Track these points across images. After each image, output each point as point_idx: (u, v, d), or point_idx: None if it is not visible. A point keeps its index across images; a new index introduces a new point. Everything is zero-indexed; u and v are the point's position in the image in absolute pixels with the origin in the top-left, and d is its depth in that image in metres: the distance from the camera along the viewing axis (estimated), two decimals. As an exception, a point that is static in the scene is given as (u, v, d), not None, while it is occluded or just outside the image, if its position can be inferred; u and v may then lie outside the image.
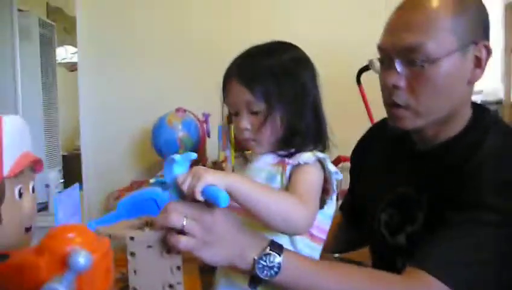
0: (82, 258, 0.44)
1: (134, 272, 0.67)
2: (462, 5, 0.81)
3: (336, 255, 2.36)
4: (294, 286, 0.69)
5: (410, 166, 0.91)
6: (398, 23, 0.83)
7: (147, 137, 2.46)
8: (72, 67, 2.97)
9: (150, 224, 0.72)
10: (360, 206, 1.06)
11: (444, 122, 0.84)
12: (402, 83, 0.81)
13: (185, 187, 0.65)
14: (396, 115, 0.85)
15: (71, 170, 2.88)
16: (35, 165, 0.61)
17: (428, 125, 0.84)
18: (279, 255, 0.67)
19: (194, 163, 0.74)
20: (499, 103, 3.98)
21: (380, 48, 0.85)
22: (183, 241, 0.64)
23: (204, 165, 2.49)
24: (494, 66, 4.10)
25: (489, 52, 0.82)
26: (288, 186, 0.75)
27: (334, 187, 0.78)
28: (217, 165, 2.47)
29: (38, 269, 0.46)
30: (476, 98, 4.06)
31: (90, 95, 2.66)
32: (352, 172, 1.13)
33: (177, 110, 2.41)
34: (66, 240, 0.45)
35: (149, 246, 0.68)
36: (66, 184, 2.66)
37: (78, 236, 0.47)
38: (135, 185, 2.54)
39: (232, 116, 0.83)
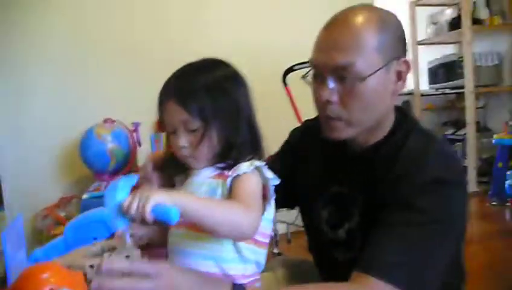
0: (64, 298, 0.45)
1: None
2: (385, 24, 0.87)
3: (276, 250, 2.46)
4: None
5: (343, 167, 0.98)
6: (328, 42, 0.87)
7: (74, 150, 2.36)
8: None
9: (108, 249, 0.72)
10: (293, 200, 1.10)
11: (372, 129, 0.92)
12: (334, 98, 0.87)
13: (133, 210, 0.67)
14: (330, 126, 0.90)
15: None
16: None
17: (359, 133, 0.92)
18: None
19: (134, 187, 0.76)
20: (410, 93, 4.34)
21: (313, 64, 0.90)
22: None
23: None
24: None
25: (408, 66, 0.90)
26: (229, 197, 0.78)
27: (272, 192, 0.83)
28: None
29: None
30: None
31: (6, 105, 2.48)
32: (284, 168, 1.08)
33: (105, 121, 2.34)
34: (42, 280, 0.46)
35: None
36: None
37: (53, 276, 0.47)
38: (64, 201, 2.44)
39: (169, 134, 0.84)
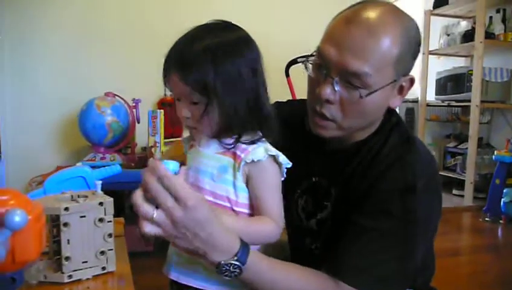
0: (17, 217, 0.47)
1: (68, 241, 0.70)
2: (408, 35, 0.82)
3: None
4: (248, 284, 0.74)
5: (323, 159, 0.96)
6: (346, 41, 0.79)
7: (74, 121, 2.41)
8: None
9: (82, 196, 0.73)
10: None
11: (358, 130, 0.89)
12: (336, 100, 0.82)
13: None
14: (320, 124, 0.87)
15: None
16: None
17: (345, 134, 0.89)
18: (243, 265, 0.70)
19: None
20: (415, 101, 4.33)
21: (322, 55, 0.82)
22: (149, 229, 0.65)
23: (133, 151, 2.48)
24: (414, 67, 4.44)
25: (412, 84, 0.86)
26: (252, 188, 0.78)
27: (284, 174, 0.82)
28: (146, 150, 2.48)
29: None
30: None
31: (12, 74, 2.54)
32: None
33: (106, 94, 2.37)
34: (0, 202, 0.48)
35: (82, 216, 0.71)
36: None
37: (12, 199, 0.49)
38: (60, 169, 2.48)
39: (175, 100, 0.80)
